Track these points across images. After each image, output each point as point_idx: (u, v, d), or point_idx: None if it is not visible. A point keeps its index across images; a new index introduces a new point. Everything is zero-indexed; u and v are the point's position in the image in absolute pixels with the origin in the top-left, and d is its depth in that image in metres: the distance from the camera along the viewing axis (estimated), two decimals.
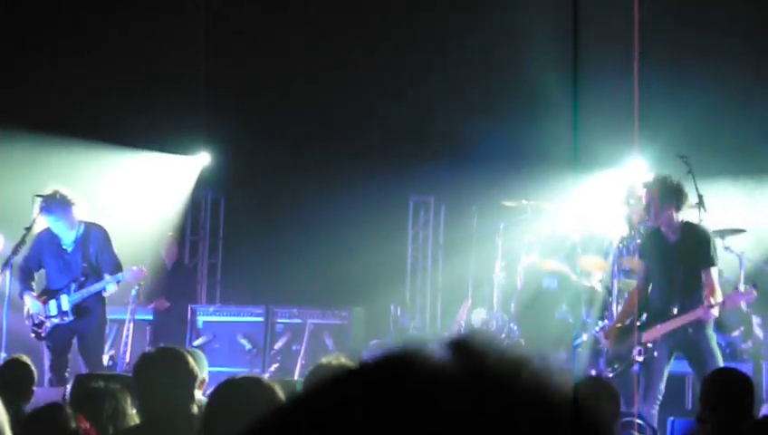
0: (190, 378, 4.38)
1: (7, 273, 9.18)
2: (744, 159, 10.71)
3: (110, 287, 9.23)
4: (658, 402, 7.56)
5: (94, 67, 11.93)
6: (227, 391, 3.74)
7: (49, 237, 9.23)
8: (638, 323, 7.80)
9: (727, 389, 5.01)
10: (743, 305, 9.42)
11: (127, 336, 9.62)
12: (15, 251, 9.15)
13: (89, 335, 9.18)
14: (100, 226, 9.39)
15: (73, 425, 3.69)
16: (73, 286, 9.14)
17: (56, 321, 9.11)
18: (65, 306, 9.11)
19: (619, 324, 8.01)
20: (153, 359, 4.51)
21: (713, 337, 7.65)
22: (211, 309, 11.51)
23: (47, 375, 8.95)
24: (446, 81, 12.21)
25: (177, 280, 11.99)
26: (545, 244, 10.62)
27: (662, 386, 7.59)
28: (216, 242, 13.80)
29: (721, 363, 7.46)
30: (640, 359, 7.62)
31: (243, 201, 13.42)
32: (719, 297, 7.55)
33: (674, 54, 11.00)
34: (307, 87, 12.58)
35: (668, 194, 7.66)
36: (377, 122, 12.54)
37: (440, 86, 12.19)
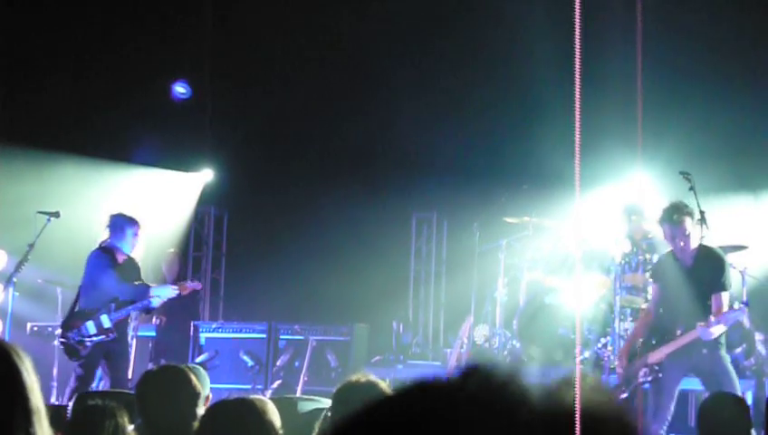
0: (193, 396, 4.39)
1: (10, 290, 9.18)
2: (745, 174, 10.72)
3: (156, 301, 9.31)
4: (667, 423, 7.54)
5: (97, 83, 11.98)
6: (216, 414, 3.75)
7: (109, 257, 9.24)
8: (645, 345, 7.79)
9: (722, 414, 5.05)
10: (745, 322, 9.41)
11: (129, 353, 9.63)
12: (18, 268, 9.16)
13: (119, 352, 9.22)
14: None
15: None
16: (113, 305, 9.13)
17: (97, 339, 9.04)
18: (107, 324, 9.08)
19: (629, 346, 7.98)
20: (156, 377, 4.51)
21: (727, 358, 7.62)
22: (213, 325, 11.50)
23: (67, 395, 8.93)
24: (448, 98, 12.23)
25: (178, 297, 11.98)
26: (547, 260, 10.62)
27: (672, 406, 7.56)
28: (218, 258, 13.82)
29: (736, 384, 7.43)
30: (648, 379, 7.61)
31: (246, 217, 13.44)
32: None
33: (676, 71, 11.02)
34: (310, 105, 12.62)
35: (693, 220, 7.62)
36: (379, 139, 12.56)
37: (441, 103, 12.21)
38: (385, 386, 4.16)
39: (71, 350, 9.03)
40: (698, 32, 11.11)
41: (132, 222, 9.27)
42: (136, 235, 9.26)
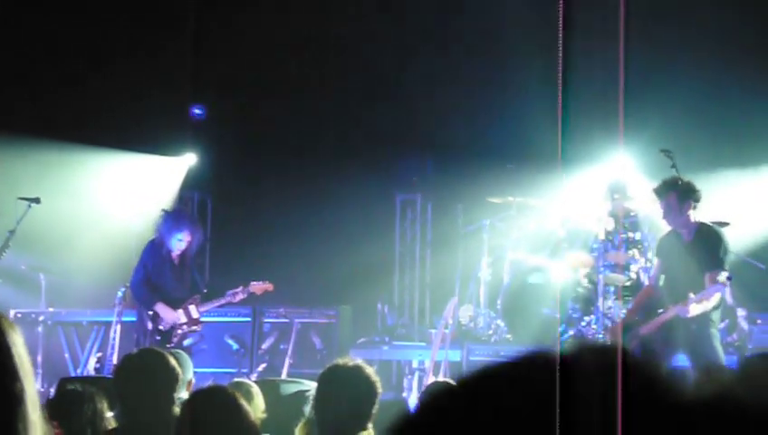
0: (171, 379, 4.39)
1: None
2: (726, 152, 10.75)
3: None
4: None
5: (79, 68, 11.91)
6: (195, 402, 3.77)
7: (167, 250, 9.49)
8: (639, 319, 7.83)
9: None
10: (728, 298, 9.45)
11: (114, 338, 9.61)
12: None
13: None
14: None
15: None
16: (197, 297, 9.54)
17: (188, 328, 9.41)
18: (195, 314, 9.45)
19: (627, 321, 8.01)
20: (134, 361, 4.51)
21: (716, 336, 7.66)
22: None
23: None
24: (430, 79, 12.21)
25: None
26: (531, 240, 10.64)
27: None
28: (202, 242, 13.76)
29: (723, 361, 7.46)
30: (638, 351, 7.64)
31: (229, 201, 13.40)
32: (713, 300, 7.53)
33: (657, 50, 11.02)
34: (292, 87, 12.58)
35: (686, 195, 7.67)
36: (362, 121, 12.54)
37: (424, 84, 12.19)
38: (371, 370, 4.18)
39: (164, 336, 9.34)
40: (679, 9, 11.11)
41: (180, 226, 9.53)
42: (181, 240, 9.49)
